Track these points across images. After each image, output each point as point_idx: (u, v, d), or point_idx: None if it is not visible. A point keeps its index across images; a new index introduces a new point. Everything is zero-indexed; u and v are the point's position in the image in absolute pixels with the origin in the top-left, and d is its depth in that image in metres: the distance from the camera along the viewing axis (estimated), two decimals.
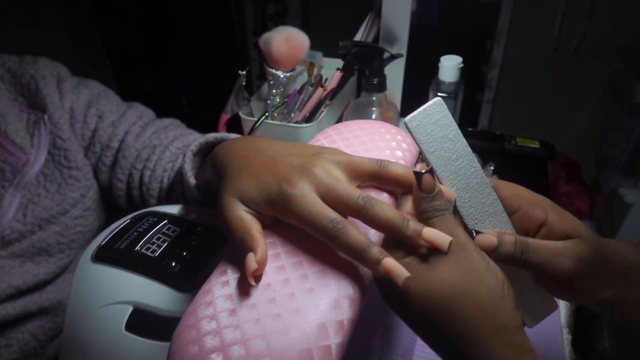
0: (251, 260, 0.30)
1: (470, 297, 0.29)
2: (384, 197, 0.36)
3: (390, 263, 0.29)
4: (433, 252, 0.31)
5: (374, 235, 0.34)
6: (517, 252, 0.32)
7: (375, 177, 0.34)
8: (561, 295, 0.36)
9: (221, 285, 0.32)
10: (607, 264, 0.34)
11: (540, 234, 0.34)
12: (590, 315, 0.91)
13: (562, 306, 0.64)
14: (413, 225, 0.31)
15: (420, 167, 0.33)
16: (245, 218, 0.33)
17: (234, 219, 0.33)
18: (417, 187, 0.32)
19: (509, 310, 0.29)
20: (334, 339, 0.28)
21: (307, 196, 0.32)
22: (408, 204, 0.33)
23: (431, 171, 0.31)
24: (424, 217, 0.32)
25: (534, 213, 0.34)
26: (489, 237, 0.32)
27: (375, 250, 0.30)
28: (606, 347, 0.86)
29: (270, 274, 0.32)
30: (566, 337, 0.59)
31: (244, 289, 0.31)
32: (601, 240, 0.35)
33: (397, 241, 0.32)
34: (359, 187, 0.35)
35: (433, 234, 0.30)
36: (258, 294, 0.30)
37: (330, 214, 0.31)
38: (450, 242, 0.30)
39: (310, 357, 0.27)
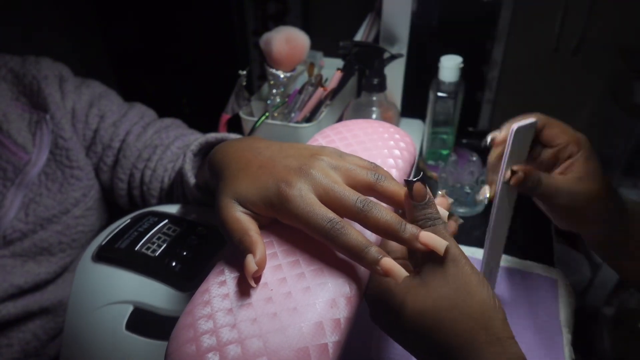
0: (251, 262, 0.30)
1: (463, 310, 0.29)
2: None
3: (389, 263, 0.29)
4: (425, 266, 0.31)
5: (370, 237, 0.34)
6: (531, 184, 0.43)
7: (370, 189, 0.34)
8: (561, 220, 0.47)
9: (218, 285, 0.32)
10: (604, 205, 0.44)
11: (566, 162, 0.45)
12: (590, 315, 0.91)
13: (562, 306, 0.64)
14: (410, 228, 0.31)
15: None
16: (243, 219, 0.33)
17: (232, 220, 0.33)
18: (409, 196, 0.32)
19: (501, 321, 0.29)
20: (331, 338, 0.29)
21: (306, 197, 0.32)
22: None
23: (422, 180, 0.32)
24: (417, 225, 0.32)
25: (570, 148, 0.45)
26: (515, 174, 0.43)
27: (374, 250, 0.30)
28: (606, 347, 0.86)
29: (267, 274, 0.32)
30: (566, 337, 0.59)
31: (241, 288, 0.31)
32: (611, 192, 0.44)
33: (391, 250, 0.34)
34: None
35: (430, 238, 0.30)
36: (255, 293, 0.30)
37: (328, 214, 0.31)
38: (447, 247, 0.30)
39: (307, 356, 0.28)
